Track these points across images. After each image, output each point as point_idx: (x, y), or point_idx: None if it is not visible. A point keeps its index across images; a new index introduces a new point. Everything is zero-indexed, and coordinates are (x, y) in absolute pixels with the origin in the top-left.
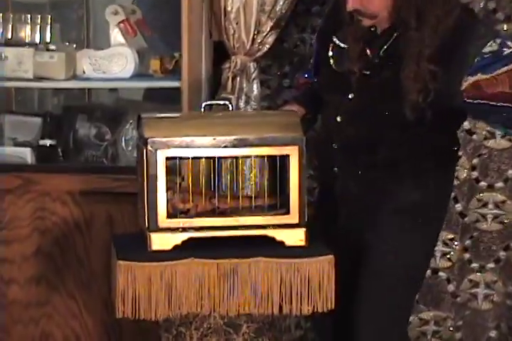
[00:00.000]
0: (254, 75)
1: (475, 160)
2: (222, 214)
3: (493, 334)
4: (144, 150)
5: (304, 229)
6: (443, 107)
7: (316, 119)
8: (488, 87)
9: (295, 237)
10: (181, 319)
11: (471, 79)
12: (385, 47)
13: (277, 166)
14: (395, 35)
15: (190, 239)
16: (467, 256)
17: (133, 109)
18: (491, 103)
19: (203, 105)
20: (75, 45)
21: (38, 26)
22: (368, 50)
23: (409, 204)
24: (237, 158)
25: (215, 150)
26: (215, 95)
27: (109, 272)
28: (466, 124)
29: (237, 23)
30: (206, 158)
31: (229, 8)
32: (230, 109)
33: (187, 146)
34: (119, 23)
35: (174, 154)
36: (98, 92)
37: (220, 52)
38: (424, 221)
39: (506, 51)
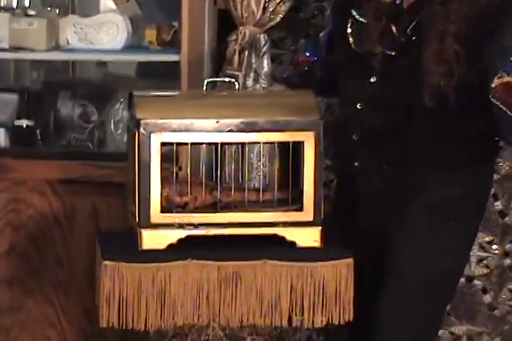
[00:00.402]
0: (264, 49)
1: None
2: (225, 209)
3: None
4: (136, 134)
5: (319, 228)
6: (474, 93)
7: None
8: None
9: (309, 237)
10: (175, 330)
11: (506, 78)
12: (414, 23)
13: (290, 154)
14: (424, 11)
15: (188, 238)
16: (508, 262)
17: (124, 86)
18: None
19: (205, 82)
20: (57, 11)
21: None
22: (393, 27)
23: (440, 201)
24: (243, 144)
25: (218, 135)
26: (219, 71)
27: (92, 274)
28: None
29: None
30: (208, 143)
31: None
32: (237, 87)
33: (186, 130)
34: None
35: (170, 139)
36: (84, 66)
37: (226, 22)
38: (458, 221)
39: None
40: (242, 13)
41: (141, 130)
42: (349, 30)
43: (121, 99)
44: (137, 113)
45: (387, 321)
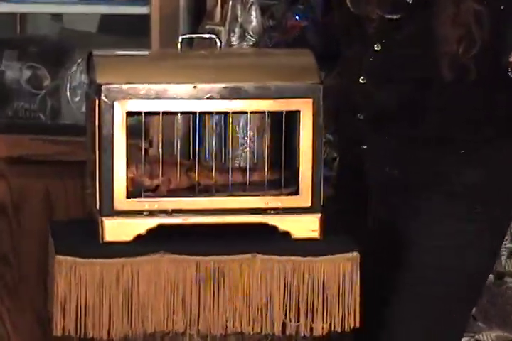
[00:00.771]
0: None
1: None
2: (205, 193)
3: None
4: (97, 102)
5: (318, 216)
6: (498, 61)
7: None
8: None
9: (306, 226)
10: (145, 338)
11: None
12: None
13: (283, 127)
14: None
15: (159, 227)
16: None
17: (83, 44)
18: None
19: (180, 39)
20: None
21: None
22: None
23: (464, 187)
24: (226, 114)
25: (195, 103)
26: (197, 26)
27: (44, 273)
28: None
29: None
30: (183, 113)
31: None
32: (218, 45)
33: (157, 97)
34: None
35: (139, 108)
36: (35, 19)
37: None
38: (486, 209)
39: None
40: None
41: (103, 97)
42: None
43: (79, 60)
44: (98, 77)
45: (399, 328)
